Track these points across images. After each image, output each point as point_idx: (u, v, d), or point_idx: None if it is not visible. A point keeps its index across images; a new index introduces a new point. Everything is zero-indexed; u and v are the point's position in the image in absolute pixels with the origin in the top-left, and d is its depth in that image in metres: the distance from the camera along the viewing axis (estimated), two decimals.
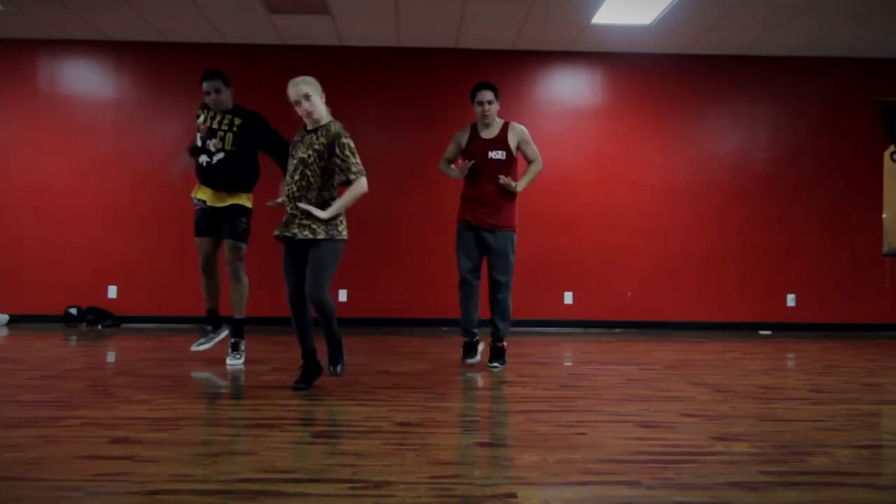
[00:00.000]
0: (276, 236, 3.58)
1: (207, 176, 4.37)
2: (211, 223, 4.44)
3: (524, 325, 6.69)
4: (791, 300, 7.27)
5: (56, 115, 7.05)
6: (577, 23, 6.41)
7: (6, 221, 6.98)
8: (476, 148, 4.42)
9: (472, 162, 4.36)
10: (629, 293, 7.24)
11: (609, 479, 2.21)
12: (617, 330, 7.12)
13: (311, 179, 3.47)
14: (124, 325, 6.90)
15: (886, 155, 7.34)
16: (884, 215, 7.36)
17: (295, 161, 3.49)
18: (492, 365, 4.38)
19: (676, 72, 7.28)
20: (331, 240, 3.46)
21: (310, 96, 3.42)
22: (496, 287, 4.41)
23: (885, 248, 7.34)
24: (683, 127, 7.33)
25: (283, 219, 3.56)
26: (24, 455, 2.37)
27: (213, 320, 4.61)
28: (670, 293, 7.23)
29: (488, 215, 4.36)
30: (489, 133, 4.45)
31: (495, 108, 4.44)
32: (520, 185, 4.38)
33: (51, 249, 6.96)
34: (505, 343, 4.49)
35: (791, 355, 5.52)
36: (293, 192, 3.49)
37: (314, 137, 3.48)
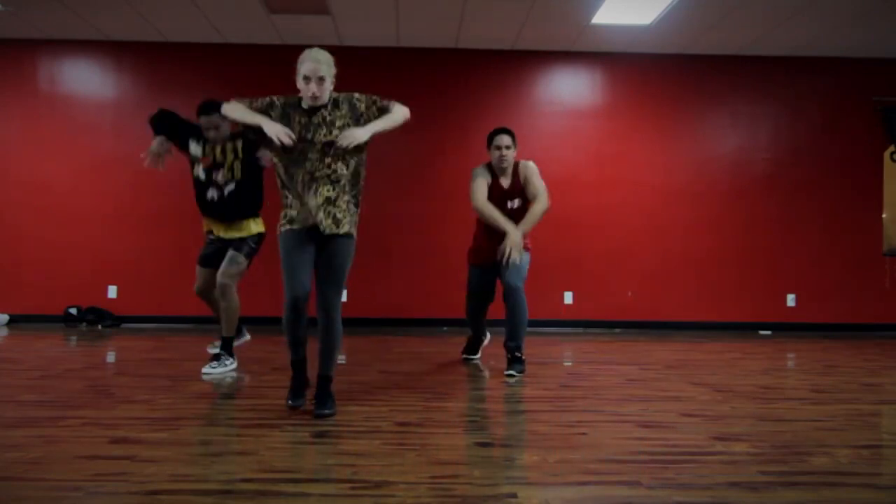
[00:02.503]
0: (296, 230, 3.12)
1: (218, 211, 4.13)
2: (219, 256, 4.20)
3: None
4: (791, 300, 7.27)
5: (56, 115, 7.05)
6: (577, 23, 6.41)
7: (6, 221, 6.98)
8: (495, 196, 4.22)
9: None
10: (629, 293, 7.24)
11: (609, 479, 2.21)
12: (617, 330, 7.12)
13: (350, 163, 3.09)
14: (124, 325, 6.90)
15: (886, 155, 7.34)
16: (884, 215, 7.36)
17: (318, 147, 3.03)
18: (508, 373, 4.16)
19: (676, 72, 7.28)
20: (352, 237, 3.12)
21: (324, 80, 2.99)
22: (512, 293, 4.20)
23: (885, 248, 7.34)
24: (683, 127, 7.33)
25: (298, 213, 3.14)
26: (24, 455, 2.37)
27: (229, 347, 4.30)
28: (670, 293, 7.23)
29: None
30: (506, 181, 4.26)
31: (513, 153, 4.23)
32: (521, 231, 4.14)
33: (51, 249, 6.96)
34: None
35: (791, 355, 5.52)
36: (318, 185, 3.07)
37: (325, 116, 3.04)
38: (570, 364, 4.95)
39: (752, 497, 2.06)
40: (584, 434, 2.78)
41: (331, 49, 7.73)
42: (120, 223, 7.01)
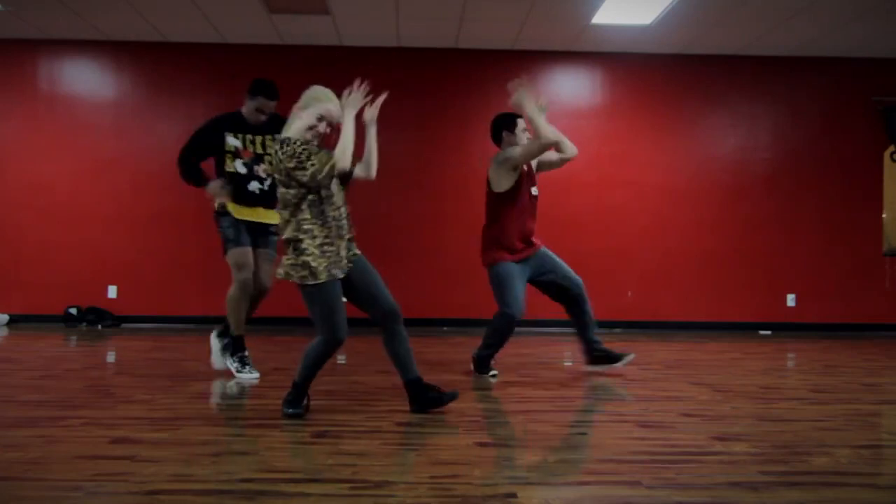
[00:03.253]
0: (338, 277, 3.01)
1: (261, 201, 4.06)
2: (253, 234, 4.07)
3: (524, 324, 6.67)
4: (791, 300, 7.27)
5: (56, 115, 7.05)
6: (577, 23, 6.41)
7: (6, 221, 6.98)
8: (525, 182, 4.07)
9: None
10: (629, 293, 7.24)
11: (609, 479, 2.21)
12: (617, 330, 7.11)
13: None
14: (124, 325, 6.90)
15: (886, 155, 7.34)
16: (884, 215, 7.36)
17: (336, 188, 3.05)
18: (623, 360, 4.20)
19: (676, 72, 7.28)
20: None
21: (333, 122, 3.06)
22: (583, 297, 4.18)
23: (885, 248, 7.34)
24: (683, 127, 7.33)
25: (333, 257, 3.00)
26: (24, 455, 2.37)
27: (239, 345, 4.11)
28: (670, 293, 7.23)
29: (532, 246, 4.13)
30: (525, 166, 4.08)
31: None
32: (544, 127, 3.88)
33: (51, 249, 6.96)
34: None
35: (791, 355, 5.52)
36: (347, 223, 3.09)
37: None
38: (570, 364, 4.95)
39: (752, 497, 2.06)
40: (584, 434, 2.78)
41: (331, 49, 7.71)
42: (120, 223, 7.01)
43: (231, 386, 3.81)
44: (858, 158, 7.31)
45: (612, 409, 3.31)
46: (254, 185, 4.05)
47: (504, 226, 4.03)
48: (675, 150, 7.32)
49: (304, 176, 2.88)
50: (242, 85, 7.04)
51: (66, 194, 7.00)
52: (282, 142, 2.94)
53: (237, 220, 4.02)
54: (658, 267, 7.25)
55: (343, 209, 3.06)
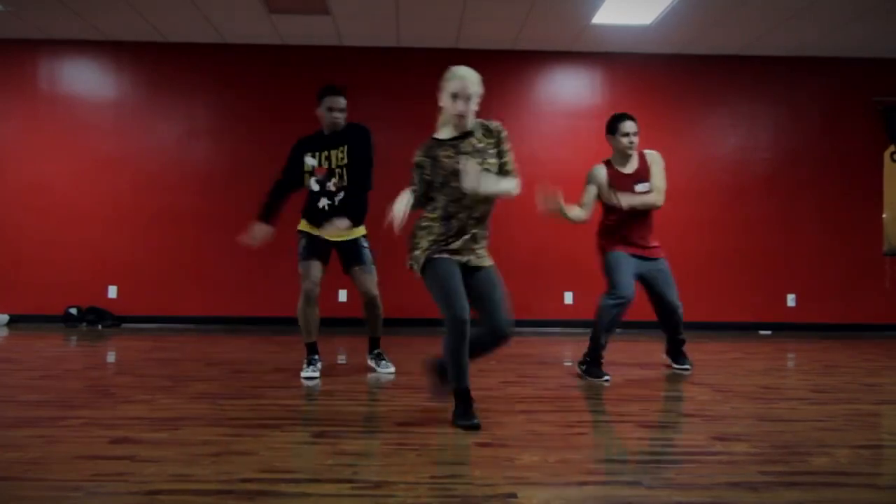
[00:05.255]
0: (453, 260, 2.97)
1: (329, 218, 4.04)
2: (322, 248, 4.13)
3: (524, 325, 6.68)
4: (791, 300, 7.26)
5: (56, 114, 7.05)
6: (577, 23, 6.41)
7: (6, 221, 6.98)
8: (620, 185, 4.28)
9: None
10: None
11: (609, 479, 2.21)
12: (617, 330, 7.10)
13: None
14: (124, 325, 6.90)
15: (886, 155, 7.34)
16: (884, 215, 7.36)
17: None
18: (684, 367, 4.49)
19: (676, 72, 7.28)
20: (494, 266, 3.05)
21: (470, 99, 2.96)
22: (676, 308, 4.37)
23: (885, 248, 7.34)
24: (683, 127, 7.32)
25: (444, 245, 2.98)
26: (24, 455, 2.37)
27: (316, 350, 4.23)
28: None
29: (646, 244, 4.32)
30: (630, 167, 4.35)
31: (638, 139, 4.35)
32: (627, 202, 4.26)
33: (51, 249, 6.96)
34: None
35: (791, 355, 5.52)
36: (473, 214, 2.96)
37: (475, 142, 2.96)
38: (570, 364, 4.94)
39: (752, 497, 2.06)
40: (584, 434, 2.78)
41: (331, 49, 7.70)
42: (120, 223, 7.01)
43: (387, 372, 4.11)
44: (858, 158, 7.31)
45: (612, 409, 3.31)
46: (323, 202, 4.09)
47: (612, 222, 4.32)
48: (675, 150, 7.31)
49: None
50: (242, 85, 7.10)
51: (66, 194, 7.00)
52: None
53: (310, 236, 4.13)
54: None
55: (472, 211, 2.95)
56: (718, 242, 7.26)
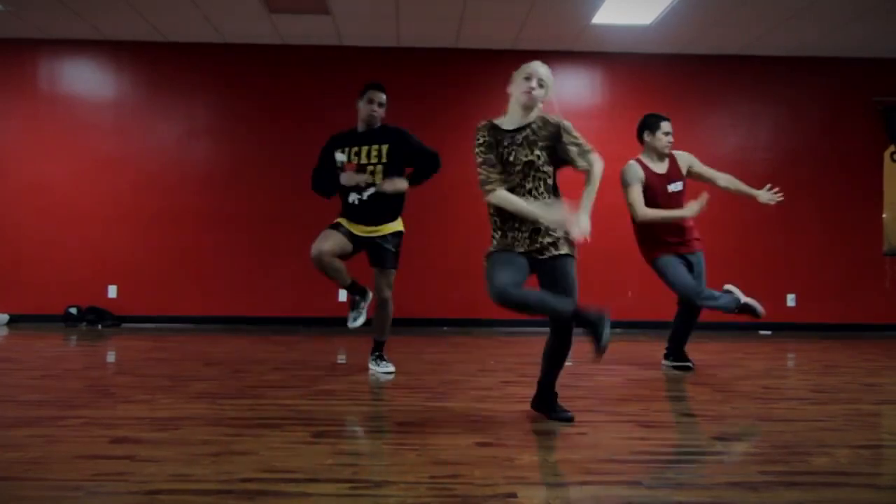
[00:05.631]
0: (521, 252, 2.98)
1: (358, 214, 4.08)
2: (351, 237, 4.08)
3: (524, 325, 6.69)
4: (791, 300, 7.26)
5: (56, 114, 7.05)
6: (577, 23, 6.41)
7: (6, 221, 6.98)
8: (655, 184, 4.36)
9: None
10: (629, 293, 7.24)
11: (609, 479, 2.21)
12: (617, 330, 7.10)
13: (548, 182, 3.02)
14: (124, 325, 6.90)
15: (886, 155, 7.34)
16: (884, 215, 7.36)
17: (518, 168, 2.95)
18: (685, 364, 4.56)
19: (676, 72, 7.28)
20: (573, 256, 3.02)
21: (544, 84, 2.98)
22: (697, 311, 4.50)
23: (885, 248, 7.34)
24: (683, 127, 7.29)
25: (516, 235, 2.99)
26: (24, 455, 2.37)
27: (358, 289, 4.19)
28: (670, 293, 7.19)
29: (684, 238, 4.41)
30: (662, 167, 4.43)
31: None
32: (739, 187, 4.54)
33: (51, 249, 6.96)
34: None
35: (791, 355, 5.52)
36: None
37: (529, 134, 2.97)
38: (570, 364, 4.94)
39: (752, 497, 2.06)
40: (584, 434, 2.78)
41: (331, 49, 7.71)
42: (120, 223, 7.01)
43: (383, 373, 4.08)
44: (858, 158, 7.31)
45: (612, 409, 3.31)
46: (353, 197, 4.07)
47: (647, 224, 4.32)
48: (675, 150, 7.31)
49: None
50: (242, 85, 7.10)
51: (66, 194, 6.99)
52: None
53: (343, 226, 4.09)
54: None
55: (533, 195, 2.99)
56: (718, 242, 7.24)
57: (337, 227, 4.09)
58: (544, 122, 3.00)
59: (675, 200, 4.34)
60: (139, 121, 7.12)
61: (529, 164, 2.94)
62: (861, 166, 7.31)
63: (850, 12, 6.04)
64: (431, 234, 7.09)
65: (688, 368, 4.50)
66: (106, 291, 7.01)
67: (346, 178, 4.02)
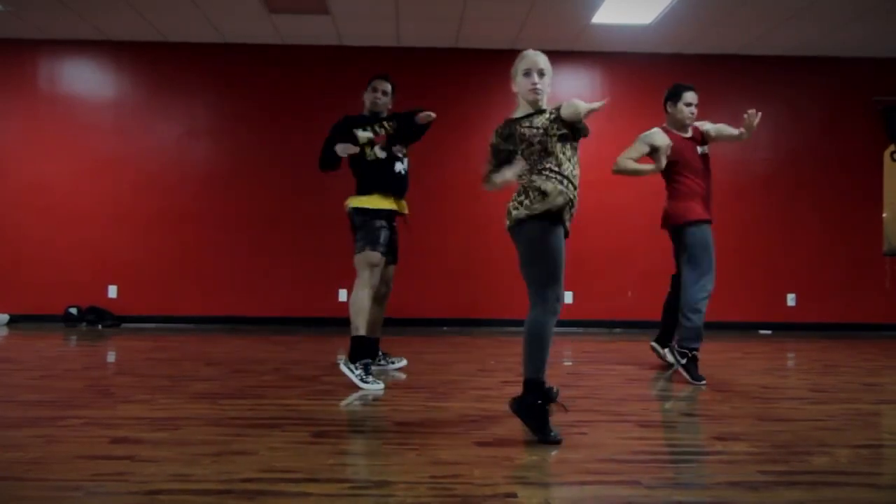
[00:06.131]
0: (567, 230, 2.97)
1: (402, 185, 4.08)
2: (395, 237, 4.12)
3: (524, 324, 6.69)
4: (791, 300, 7.27)
5: (56, 115, 7.05)
6: (577, 22, 6.41)
7: (6, 221, 6.98)
8: (683, 148, 4.37)
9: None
10: (629, 293, 7.24)
11: (609, 479, 2.21)
12: (617, 330, 7.12)
13: (567, 157, 2.93)
14: (124, 325, 6.90)
15: (886, 155, 7.34)
16: (884, 215, 7.36)
17: (535, 147, 2.90)
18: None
19: (676, 72, 7.26)
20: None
21: (544, 74, 2.93)
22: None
23: (885, 248, 7.34)
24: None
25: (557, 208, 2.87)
26: (24, 455, 2.37)
27: (376, 351, 4.22)
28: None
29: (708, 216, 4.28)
30: (687, 133, 4.50)
31: None
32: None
33: (51, 249, 6.96)
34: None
35: (791, 355, 5.52)
36: (575, 182, 2.93)
37: (544, 121, 2.92)
38: (570, 364, 4.94)
39: (752, 497, 2.06)
40: (584, 434, 2.78)
41: (331, 49, 7.69)
42: (120, 223, 7.01)
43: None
44: (858, 158, 7.31)
45: (612, 409, 3.31)
46: (399, 167, 4.08)
47: (687, 184, 4.30)
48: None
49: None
50: (242, 85, 7.10)
51: (66, 194, 7.00)
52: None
53: (389, 218, 4.01)
54: (658, 267, 7.22)
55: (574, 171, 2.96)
56: (718, 242, 7.16)
57: (389, 239, 3.96)
58: (557, 109, 2.91)
59: (707, 163, 4.38)
60: (139, 121, 7.12)
61: (543, 145, 2.87)
62: (861, 166, 7.31)
63: (851, 12, 6.05)
64: (432, 234, 7.09)
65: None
66: (106, 291, 7.01)
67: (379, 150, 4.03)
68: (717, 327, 7.13)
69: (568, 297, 7.20)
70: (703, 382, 3.95)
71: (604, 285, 7.20)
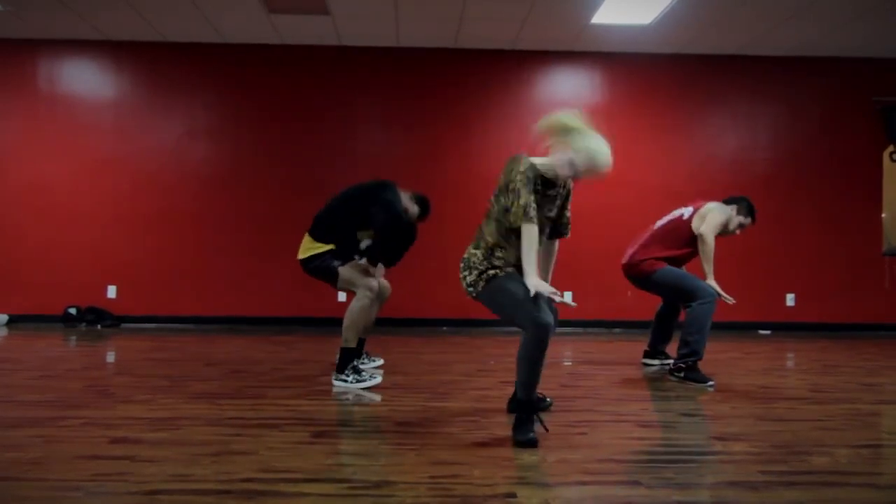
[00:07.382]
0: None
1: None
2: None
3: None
4: (791, 300, 7.27)
5: (56, 115, 7.04)
6: (577, 23, 6.41)
7: (6, 221, 6.98)
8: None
9: None
10: (629, 293, 7.22)
11: (609, 479, 2.21)
12: (617, 330, 7.12)
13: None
14: (124, 325, 6.90)
15: (886, 155, 7.34)
16: (883, 215, 7.36)
17: (546, 217, 3.09)
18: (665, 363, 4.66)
19: (676, 72, 7.28)
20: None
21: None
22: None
23: (885, 248, 7.34)
24: (683, 127, 7.32)
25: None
26: (24, 455, 2.37)
27: (361, 350, 4.26)
28: None
29: None
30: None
31: None
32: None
33: (51, 249, 6.96)
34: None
35: (791, 355, 5.53)
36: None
37: (560, 190, 3.14)
38: (569, 364, 4.95)
39: (752, 497, 2.06)
40: (584, 434, 2.78)
41: (331, 49, 7.68)
42: (120, 223, 7.01)
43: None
44: (858, 158, 7.31)
45: (612, 409, 3.31)
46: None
47: (687, 254, 4.74)
48: (675, 150, 7.32)
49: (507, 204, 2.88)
50: (242, 85, 7.10)
51: (66, 194, 6.99)
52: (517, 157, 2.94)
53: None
54: None
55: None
56: (718, 242, 7.22)
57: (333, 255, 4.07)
58: (567, 188, 3.15)
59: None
60: (139, 121, 7.12)
61: (550, 219, 3.07)
62: (861, 166, 7.31)
63: (851, 12, 6.05)
64: (430, 234, 7.08)
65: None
66: (105, 291, 7.01)
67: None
68: (717, 327, 7.10)
69: (568, 298, 7.17)
70: (712, 382, 3.95)
71: (604, 285, 7.19)
